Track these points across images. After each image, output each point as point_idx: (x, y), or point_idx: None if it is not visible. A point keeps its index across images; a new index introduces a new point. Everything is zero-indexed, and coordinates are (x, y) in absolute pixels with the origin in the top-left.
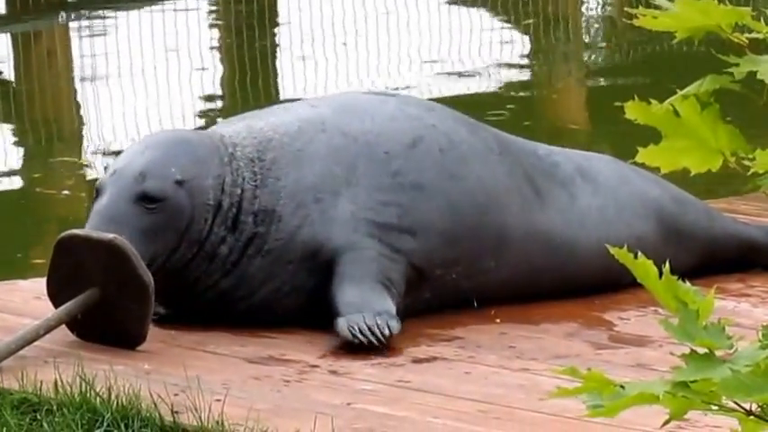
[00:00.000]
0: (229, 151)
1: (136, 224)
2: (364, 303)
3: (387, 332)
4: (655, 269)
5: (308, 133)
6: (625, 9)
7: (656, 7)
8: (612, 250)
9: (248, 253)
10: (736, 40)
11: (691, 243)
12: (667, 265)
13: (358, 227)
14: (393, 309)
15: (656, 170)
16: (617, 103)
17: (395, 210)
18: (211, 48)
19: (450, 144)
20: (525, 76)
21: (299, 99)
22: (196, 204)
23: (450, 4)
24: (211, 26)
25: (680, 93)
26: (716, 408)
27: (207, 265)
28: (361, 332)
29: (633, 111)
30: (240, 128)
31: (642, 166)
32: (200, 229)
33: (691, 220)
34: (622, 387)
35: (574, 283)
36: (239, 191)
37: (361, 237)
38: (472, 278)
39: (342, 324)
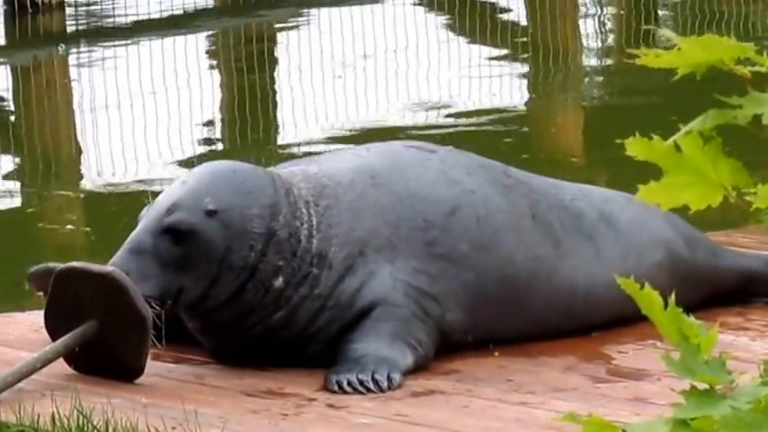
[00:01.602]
0: (286, 187)
1: (162, 255)
2: (376, 357)
3: (385, 385)
4: (660, 300)
5: (359, 186)
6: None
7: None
8: (619, 280)
9: (301, 292)
10: (739, 73)
11: (697, 282)
12: (673, 296)
13: (396, 285)
14: (407, 365)
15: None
16: (618, 141)
17: (425, 277)
18: (210, 76)
19: (486, 212)
20: (522, 109)
21: (298, 146)
22: (234, 234)
23: (447, 36)
24: (210, 57)
25: (683, 129)
26: None
27: (262, 296)
28: (349, 384)
29: (634, 147)
30: (295, 171)
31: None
32: (244, 256)
33: (700, 262)
34: (624, 431)
35: (585, 329)
36: (298, 224)
37: (399, 294)
38: (486, 338)
39: (330, 378)
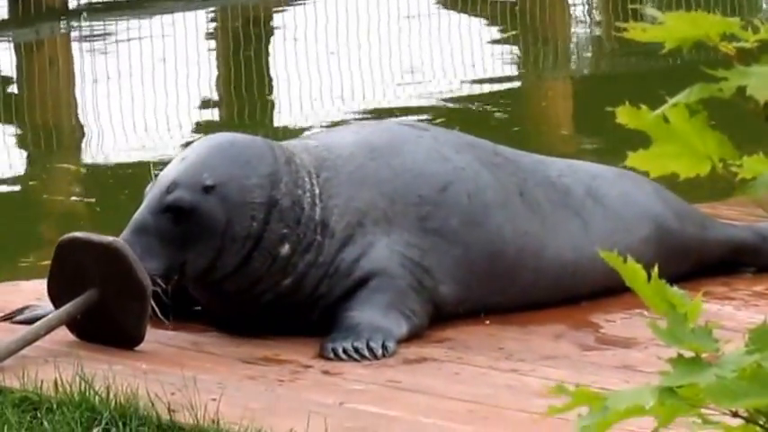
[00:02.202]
0: (287, 155)
1: (164, 233)
2: (371, 325)
3: (380, 353)
4: (643, 273)
5: (358, 158)
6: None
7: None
8: (603, 254)
9: (308, 259)
10: (723, 49)
11: (686, 254)
12: (656, 268)
13: (393, 257)
14: (402, 334)
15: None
16: (608, 108)
17: (418, 251)
18: (209, 53)
19: (476, 189)
20: (514, 84)
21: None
22: (233, 206)
23: (439, 11)
24: (209, 33)
25: (669, 101)
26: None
27: (269, 264)
28: (344, 352)
29: (624, 116)
30: (294, 143)
31: (632, 170)
32: (246, 226)
33: (688, 234)
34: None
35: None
36: (300, 192)
37: (395, 266)
38: (477, 311)
39: (326, 346)
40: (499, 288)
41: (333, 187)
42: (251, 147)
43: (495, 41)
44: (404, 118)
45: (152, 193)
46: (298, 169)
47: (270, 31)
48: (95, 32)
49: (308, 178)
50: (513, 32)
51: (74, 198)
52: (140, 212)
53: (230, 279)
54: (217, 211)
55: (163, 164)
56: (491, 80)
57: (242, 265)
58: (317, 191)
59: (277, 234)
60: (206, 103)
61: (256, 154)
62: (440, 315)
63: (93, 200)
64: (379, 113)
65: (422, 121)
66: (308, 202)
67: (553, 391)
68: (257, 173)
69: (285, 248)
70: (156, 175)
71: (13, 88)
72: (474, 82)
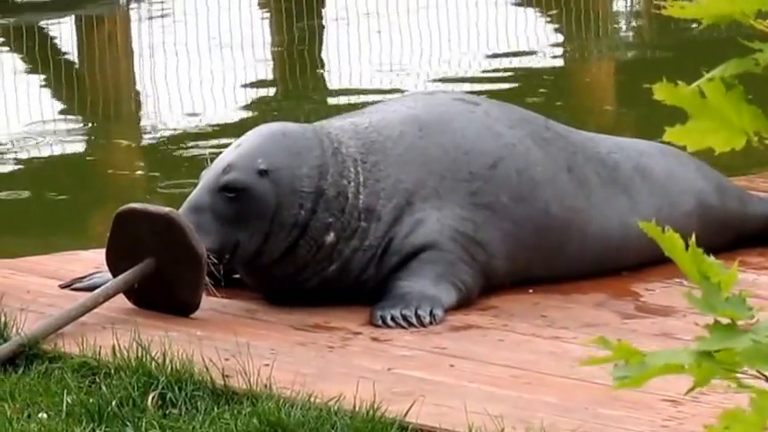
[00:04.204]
0: (334, 146)
1: (219, 212)
2: (420, 294)
3: (427, 320)
4: (681, 242)
5: (408, 138)
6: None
7: None
8: (642, 224)
9: (353, 245)
10: (759, 26)
11: (726, 228)
12: (693, 237)
13: (443, 230)
14: (450, 303)
15: (683, 149)
16: (645, 85)
17: (470, 224)
18: (262, 27)
19: (525, 165)
20: (558, 61)
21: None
22: (284, 192)
23: None
24: (262, 8)
25: (706, 76)
26: (738, 376)
27: (315, 251)
28: (393, 319)
29: (661, 92)
30: (346, 125)
31: (670, 145)
32: (294, 213)
33: (729, 209)
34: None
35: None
36: (345, 182)
37: (446, 239)
38: (524, 282)
39: (375, 313)
40: (545, 261)
41: (380, 171)
42: (302, 138)
43: (538, 17)
44: (457, 93)
45: (208, 174)
46: (344, 159)
47: (321, 2)
48: (153, 8)
49: (353, 168)
50: (557, 9)
51: (132, 170)
52: (196, 192)
53: (277, 265)
54: (268, 195)
55: (219, 135)
56: (533, 55)
57: (288, 252)
58: (362, 179)
59: (323, 223)
60: (260, 76)
61: (307, 145)
62: (487, 287)
63: (152, 172)
64: (426, 85)
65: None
66: (351, 192)
67: (594, 342)
68: (307, 163)
69: (330, 236)
70: (212, 160)
71: (75, 64)
72: (515, 55)
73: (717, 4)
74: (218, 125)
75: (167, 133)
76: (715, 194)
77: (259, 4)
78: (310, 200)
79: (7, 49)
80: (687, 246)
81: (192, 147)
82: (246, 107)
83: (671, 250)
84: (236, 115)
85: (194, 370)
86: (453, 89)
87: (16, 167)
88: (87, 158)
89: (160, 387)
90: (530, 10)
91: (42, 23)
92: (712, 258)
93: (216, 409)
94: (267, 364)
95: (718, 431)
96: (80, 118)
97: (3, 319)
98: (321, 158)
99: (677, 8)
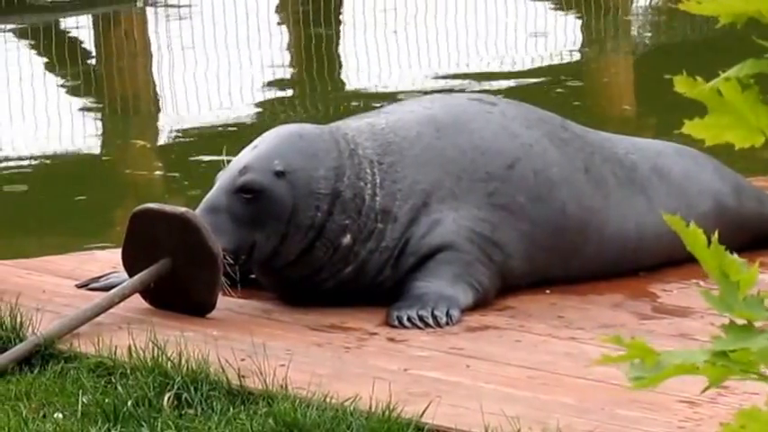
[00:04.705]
0: (351, 147)
1: (235, 213)
2: (437, 294)
3: (444, 321)
4: (704, 238)
5: (425, 139)
6: None
7: None
8: (666, 218)
9: (369, 247)
10: None
11: (743, 228)
12: (716, 234)
13: (460, 231)
14: (467, 303)
15: (700, 143)
16: (666, 76)
17: (487, 225)
18: (279, 27)
19: (543, 166)
20: (575, 57)
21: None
22: (300, 194)
23: None
24: (279, 9)
25: (721, 75)
26: (754, 376)
27: (331, 253)
28: (409, 320)
29: (681, 84)
30: (363, 126)
31: (689, 137)
32: (310, 215)
33: (746, 210)
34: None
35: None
36: (362, 184)
37: (463, 240)
38: (540, 283)
39: (391, 314)
40: (562, 262)
41: (397, 172)
42: (319, 139)
43: (556, 15)
44: (473, 93)
45: (225, 175)
46: (360, 161)
47: (340, 2)
48: (170, 8)
49: (369, 169)
50: (575, 7)
51: (149, 169)
52: (213, 193)
53: (293, 266)
54: (285, 197)
55: (236, 135)
56: (552, 54)
57: (304, 254)
58: (378, 180)
59: (339, 225)
60: (277, 76)
61: (323, 147)
62: (504, 287)
63: (169, 172)
64: (442, 85)
65: (486, 92)
66: (368, 194)
67: (609, 340)
68: (324, 165)
69: (347, 239)
70: (229, 161)
71: (92, 63)
72: (534, 56)
73: (734, 2)
74: (235, 125)
75: (184, 132)
76: (732, 195)
77: (277, 8)
78: (327, 202)
79: (26, 48)
80: (710, 242)
81: (208, 147)
82: (263, 107)
83: (693, 245)
84: (253, 115)
85: (210, 370)
86: (470, 89)
87: (34, 167)
88: (105, 156)
89: (176, 387)
90: (549, 8)
91: (60, 22)
92: (735, 256)
93: (231, 409)
94: (283, 365)
95: (735, 430)
96: (98, 117)
97: (19, 318)
98: (338, 160)
99: (693, 4)
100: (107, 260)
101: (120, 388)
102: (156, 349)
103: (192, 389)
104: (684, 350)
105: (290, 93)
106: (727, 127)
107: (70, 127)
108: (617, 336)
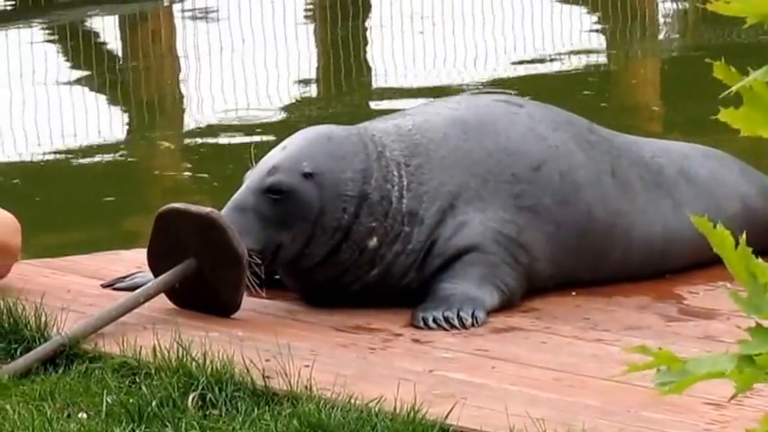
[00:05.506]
0: (378, 150)
1: (262, 213)
2: (463, 295)
3: (469, 322)
4: (731, 239)
5: (451, 141)
6: None
7: None
8: (694, 219)
9: (395, 250)
10: None
11: None
12: (744, 235)
13: (486, 233)
14: (493, 305)
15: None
16: (707, 60)
17: (513, 227)
18: (306, 24)
19: (569, 168)
20: (602, 58)
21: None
22: (328, 195)
23: None
24: (307, 11)
25: (746, 79)
26: None
27: (357, 256)
28: (434, 321)
29: (720, 71)
30: (390, 128)
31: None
32: (337, 217)
33: None
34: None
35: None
36: (389, 186)
37: (489, 241)
38: (567, 285)
39: (417, 315)
40: (589, 264)
41: (424, 174)
42: (347, 142)
43: (581, 16)
44: (500, 95)
45: (252, 175)
46: (387, 163)
47: (367, 3)
48: (197, 7)
49: (396, 171)
50: (600, 12)
51: (175, 169)
52: (240, 192)
53: (319, 268)
54: (312, 198)
55: (263, 130)
56: (578, 55)
57: (330, 256)
58: (405, 182)
59: (366, 227)
60: (303, 77)
61: (351, 150)
62: (530, 289)
63: (195, 172)
64: (470, 86)
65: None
66: (395, 197)
67: (634, 350)
68: (352, 167)
69: (373, 241)
70: (256, 161)
71: (118, 61)
72: (561, 57)
73: (762, 2)
74: (261, 125)
75: (212, 130)
76: (760, 197)
77: (305, 8)
78: (354, 204)
79: (52, 45)
80: (737, 244)
81: (236, 147)
82: (290, 107)
83: (720, 247)
84: (280, 115)
85: (235, 371)
86: (497, 90)
87: (61, 167)
88: (131, 156)
89: (200, 388)
90: (575, 9)
91: (86, 21)
92: (761, 260)
93: (256, 410)
94: (308, 366)
95: None
96: (125, 117)
97: (44, 318)
98: (365, 163)
99: (722, 4)
100: (132, 260)
101: (144, 388)
102: (180, 349)
103: (216, 389)
104: (711, 356)
105: (315, 93)
106: (760, 122)
107: (96, 126)
108: (642, 345)
